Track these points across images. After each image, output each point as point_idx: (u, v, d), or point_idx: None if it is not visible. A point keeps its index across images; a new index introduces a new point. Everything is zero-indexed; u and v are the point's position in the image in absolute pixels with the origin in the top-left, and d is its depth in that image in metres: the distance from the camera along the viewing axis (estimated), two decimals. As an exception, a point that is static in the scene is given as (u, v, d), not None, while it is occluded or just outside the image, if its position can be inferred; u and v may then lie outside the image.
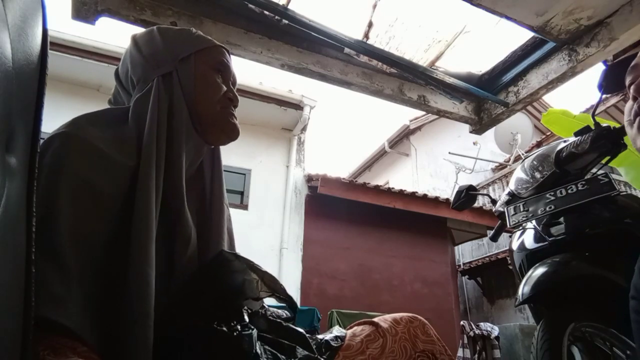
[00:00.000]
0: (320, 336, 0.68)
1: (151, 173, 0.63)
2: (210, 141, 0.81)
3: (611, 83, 1.04)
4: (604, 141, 1.50)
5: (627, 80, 0.74)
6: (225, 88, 0.81)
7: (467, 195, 2.01)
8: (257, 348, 0.56)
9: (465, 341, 5.87)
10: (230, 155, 5.24)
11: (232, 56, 0.88)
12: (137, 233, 0.58)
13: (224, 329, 0.57)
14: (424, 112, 6.57)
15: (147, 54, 0.77)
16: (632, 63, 0.73)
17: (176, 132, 0.71)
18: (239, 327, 0.59)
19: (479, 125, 2.48)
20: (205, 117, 0.77)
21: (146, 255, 0.57)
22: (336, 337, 0.66)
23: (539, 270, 1.40)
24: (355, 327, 0.71)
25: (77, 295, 0.50)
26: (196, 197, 0.77)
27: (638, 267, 0.71)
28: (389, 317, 0.72)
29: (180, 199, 0.68)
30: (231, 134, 0.82)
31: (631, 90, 0.68)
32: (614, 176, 1.49)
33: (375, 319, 0.71)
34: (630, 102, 0.70)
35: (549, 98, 9.01)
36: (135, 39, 0.81)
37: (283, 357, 0.58)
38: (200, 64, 0.79)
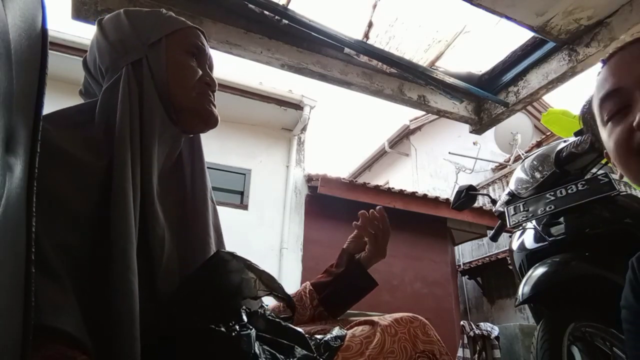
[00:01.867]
0: (319, 336, 0.67)
1: (127, 173, 0.59)
2: (188, 130, 0.77)
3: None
4: (604, 141, 1.50)
5: (606, 114, 0.64)
6: (200, 72, 0.76)
7: (467, 195, 2.02)
8: (256, 348, 0.56)
9: (465, 341, 5.87)
10: (230, 155, 5.24)
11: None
12: (116, 237, 0.54)
13: (222, 329, 0.57)
14: (424, 112, 6.57)
15: (114, 40, 0.72)
16: (607, 90, 0.63)
17: (148, 124, 0.66)
18: (237, 327, 0.59)
19: (479, 125, 2.48)
20: (180, 105, 0.72)
21: (127, 261, 0.53)
22: (336, 338, 0.65)
23: (539, 270, 1.40)
24: (355, 328, 0.70)
25: (72, 301, 0.48)
26: (174, 191, 0.73)
27: (628, 277, 0.70)
28: (389, 316, 0.71)
29: (150, 197, 0.63)
30: (209, 121, 0.76)
31: (635, 122, 0.57)
32: (613, 176, 1.49)
33: (375, 319, 0.70)
34: (622, 128, 0.60)
35: (549, 98, 9.03)
36: (101, 24, 0.75)
37: (282, 357, 0.57)
38: (172, 47, 0.73)
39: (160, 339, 0.57)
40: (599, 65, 0.69)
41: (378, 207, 0.97)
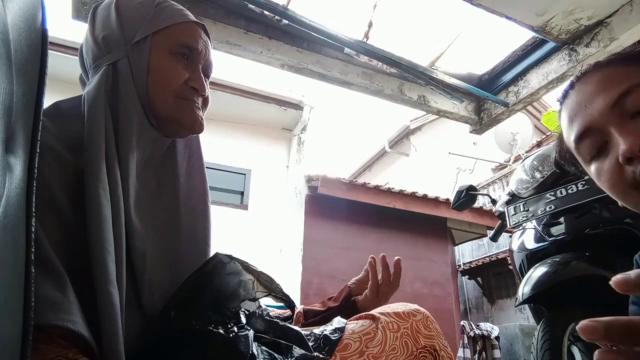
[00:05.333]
0: (319, 330, 0.66)
1: (100, 181, 0.55)
2: (171, 135, 0.71)
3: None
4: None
5: (586, 155, 0.63)
6: (187, 75, 0.68)
7: (467, 195, 2.02)
8: (254, 349, 0.56)
9: (466, 341, 5.87)
10: (230, 155, 5.24)
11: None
12: (93, 247, 0.52)
13: (221, 331, 0.57)
14: (424, 112, 6.57)
15: (98, 36, 0.67)
16: (579, 133, 0.61)
17: (124, 131, 0.62)
18: (235, 328, 0.59)
19: (479, 125, 2.48)
20: (157, 112, 0.67)
21: (105, 273, 0.51)
22: (335, 330, 0.64)
23: (539, 270, 1.40)
24: (354, 323, 0.67)
25: (73, 298, 0.47)
26: (165, 194, 0.69)
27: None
28: (390, 310, 0.68)
29: (126, 209, 0.60)
30: (192, 127, 0.70)
31: (620, 159, 0.55)
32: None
33: (376, 312, 0.68)
34: (609, 166, 0.59)
35: (549, 98, 9.03)
36: (94, 15, 0.70)
37: (280, 357, 0.57)
38: (157, 47, 0.67)
39: (159, 342, 0.57)
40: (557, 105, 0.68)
41: (397, 258, 0.90)
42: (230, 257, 0.67)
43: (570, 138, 0.64)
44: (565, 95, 0.66)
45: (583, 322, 0.31)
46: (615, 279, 0.34)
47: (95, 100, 0.61)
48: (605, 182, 0.62)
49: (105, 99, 0.62)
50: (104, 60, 0.66)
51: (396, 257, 0.90)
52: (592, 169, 0.64)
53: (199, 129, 0.71)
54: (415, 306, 0.71)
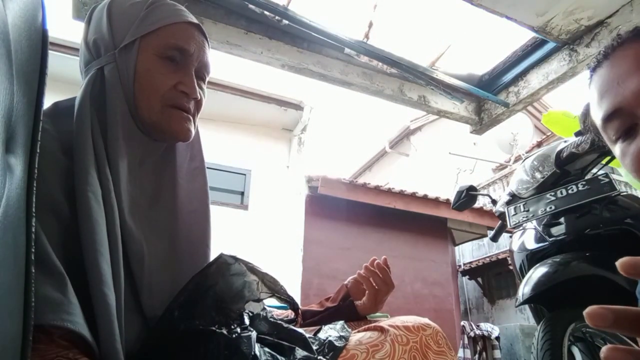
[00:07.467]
0: (323, 335, 0.66)
1: (89, 184, 0.55)
2: (159, 140, 0.70)
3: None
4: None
5: (613, 135, 0.60)
6: (176, 79, 0.66)
7: (467, 195, 2.01)
8: (256, 350, 0.56)
9: (466, 341, 5.87)
10: (231, 155, 5.24)
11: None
12: (85, 249, 0.51)
13: (224, 331, 0.57)
14: (424, 112, 6.57)
15: (90, 40, 0.67)
16: (608, 112, 0.58)
17: (112, 138, 0.61)
18: (238, 329, 0.59)
19: (480, 125, 2.48)
20: (143, 119, 0.65)
21: (98, 274, 0.50)
22: (340, 337, 0.64)
23: (539, 271, 1.40)
24: (362, 334, 0.66)
25: (74, 299, 0.47)
26: (164, 196, 0.69)
27: None
28: (400, 322, 0.67)
29: (120, 212, 0.59)
30: (178, 136, 0.68)
31: None
32: (614, 176, 1.49)
33: (385, 325, 0.66)
34: (635, 150, 0.56)
35: (549, 98, 9.02)
36: (90, 17, 0.69)
37: (282, 358, 0.57)
38: (144, 51, 0.65)
39: (162, 342, 0.57)
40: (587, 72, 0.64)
41: (383, 258, 0.88)
42: (235, 258, 0.67)
43: (597, 115, 0.61)
44: (597, 65, 0.61)
45: (591, 308, 0.30)
46: (622, 260, 0.32)
47: (82, 106, 0.61)
48: (629, 166, 0.59)
49: (91, 104, 0.61)
50: (94, 64, 0.65)
51: (378, 260, 0.88)
52: (616, 150, 0.60)
53: (185, 138, 0.69)
54: (425, 320, 0.70)
